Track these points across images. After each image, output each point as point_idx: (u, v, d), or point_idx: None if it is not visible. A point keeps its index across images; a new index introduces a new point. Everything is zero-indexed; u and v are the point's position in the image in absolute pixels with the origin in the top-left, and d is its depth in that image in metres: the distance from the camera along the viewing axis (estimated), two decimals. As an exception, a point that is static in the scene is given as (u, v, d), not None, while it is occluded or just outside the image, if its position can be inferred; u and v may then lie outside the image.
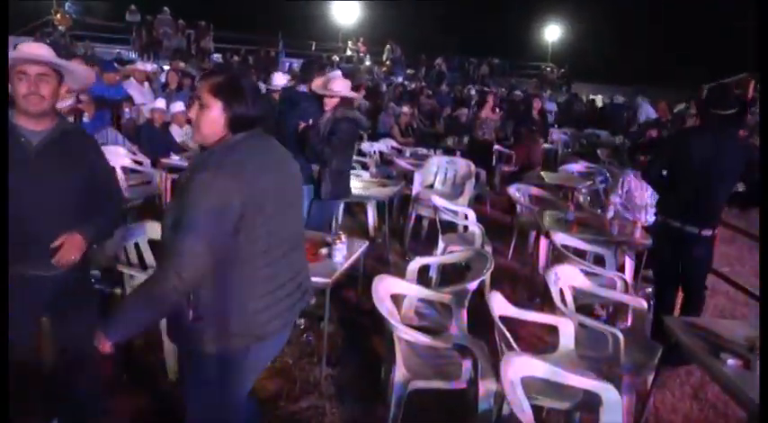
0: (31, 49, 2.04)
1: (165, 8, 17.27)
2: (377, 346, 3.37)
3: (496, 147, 8.24)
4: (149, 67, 10.09)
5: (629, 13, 23.72)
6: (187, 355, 1.85)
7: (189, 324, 1.70)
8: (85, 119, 6.05)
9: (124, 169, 5.55)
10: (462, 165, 5.93)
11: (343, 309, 3.86)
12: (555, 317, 2.56)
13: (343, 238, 3.09)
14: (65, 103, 5.90)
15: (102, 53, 15.37)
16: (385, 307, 2.37)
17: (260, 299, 1.72)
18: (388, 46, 19.94)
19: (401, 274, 4.79)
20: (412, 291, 2.71)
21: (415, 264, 3.15)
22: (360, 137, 7.11)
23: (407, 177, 6.20)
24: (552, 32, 25.60)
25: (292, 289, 1.83)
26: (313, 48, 21.04)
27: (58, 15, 16.79)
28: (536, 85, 19.99)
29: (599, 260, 4.00)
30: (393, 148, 7.77)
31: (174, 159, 5.71)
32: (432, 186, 5.97)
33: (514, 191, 5.14)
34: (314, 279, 2.77)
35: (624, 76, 20.09)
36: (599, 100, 17.06)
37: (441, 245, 4.26)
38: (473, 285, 2.73)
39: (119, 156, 5.67)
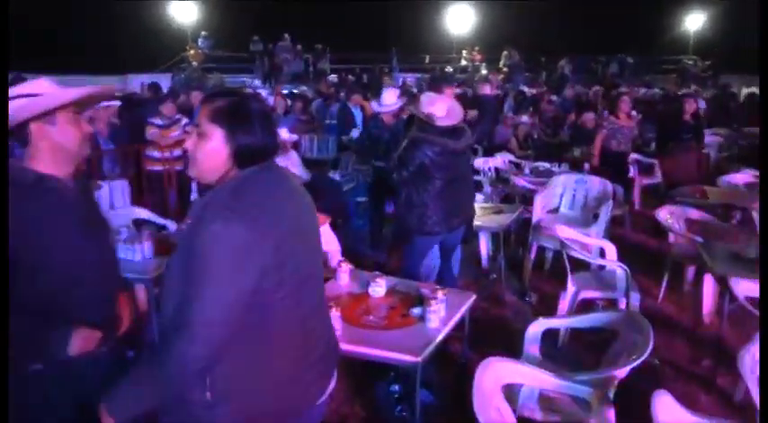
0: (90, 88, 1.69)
1: (286, 35, 18.07)
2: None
3: (634, 156, 7.03)
4: (263, 93, 10.33)
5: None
6: None
7: (201, 410, 1.37)
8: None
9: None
10: (595, 184, 4.94)
11: (445, 368, 3.16)
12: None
13: (441, 294, 2.43)
14: (173, 134, 6.00)
15: (231, 83, 16.30)
16: (493, 411, 1.67)
17: (292, 365, 1.44)
18: (505, 52, 18.89)
19: (519, 317, 4.09)
20: (534, 380, 1.97)
21: (537, 327, 2.40)
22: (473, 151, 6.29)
23: (527, 198, 5.37)
24: (694, 21, 22.73)
25: (324, 349, 1.55)
26: (427, 61, 20.70)
27: (192, 51, 18.26)
28: (676, 82, 17.68)
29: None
30: (511, 162, 6.92)
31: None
32: (557, 210, 5.05)
33: (666, 214, 4.09)
34: (398, 355, 2.18)
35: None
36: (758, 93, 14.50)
37: (570, 289, 3.41)
38: (623, 372, 1.93)
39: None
